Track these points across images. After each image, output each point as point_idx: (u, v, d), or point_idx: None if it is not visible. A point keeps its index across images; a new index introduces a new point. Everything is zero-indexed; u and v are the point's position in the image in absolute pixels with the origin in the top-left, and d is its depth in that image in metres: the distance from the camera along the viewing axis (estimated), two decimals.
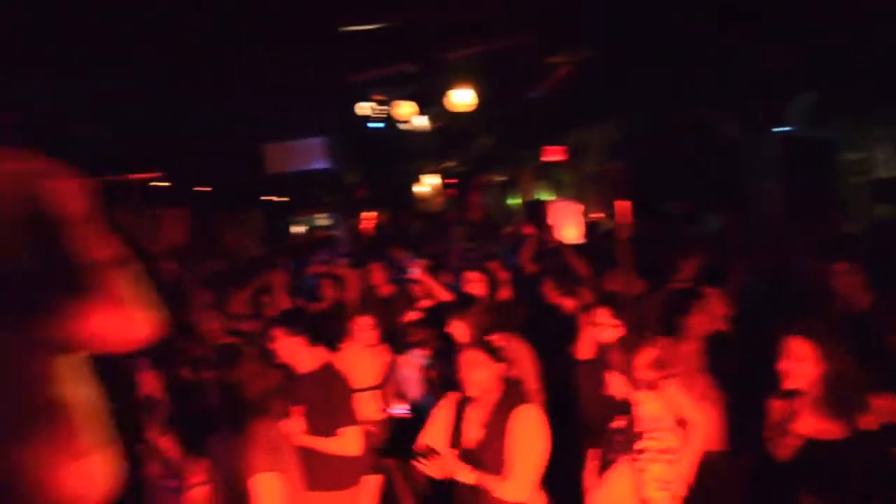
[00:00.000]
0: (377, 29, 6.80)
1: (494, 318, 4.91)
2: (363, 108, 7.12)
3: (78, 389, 1.66)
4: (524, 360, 4.93)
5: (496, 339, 4.80)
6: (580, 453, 3.86)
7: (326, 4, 6.20)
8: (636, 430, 3.30)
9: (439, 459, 3.19)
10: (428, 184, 14.92)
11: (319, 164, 9.87)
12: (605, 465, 3.47)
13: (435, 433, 3.42)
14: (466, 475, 3.20)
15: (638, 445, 3.27)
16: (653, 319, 4.33)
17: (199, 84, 7.49)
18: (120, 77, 6.88)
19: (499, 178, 14.95)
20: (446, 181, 15.75)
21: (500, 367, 3.52)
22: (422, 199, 15.02)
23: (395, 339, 5.21)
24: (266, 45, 6.63)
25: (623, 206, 5.96)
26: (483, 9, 6.50)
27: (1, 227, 1.52)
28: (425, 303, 5.73)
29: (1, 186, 1.51)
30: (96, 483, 1.64)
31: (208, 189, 11.08)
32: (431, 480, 3.62)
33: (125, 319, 1.71)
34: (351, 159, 11.95)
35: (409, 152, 11.48)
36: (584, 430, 4.08)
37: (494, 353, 3.59)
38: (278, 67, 6.86)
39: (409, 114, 7.01)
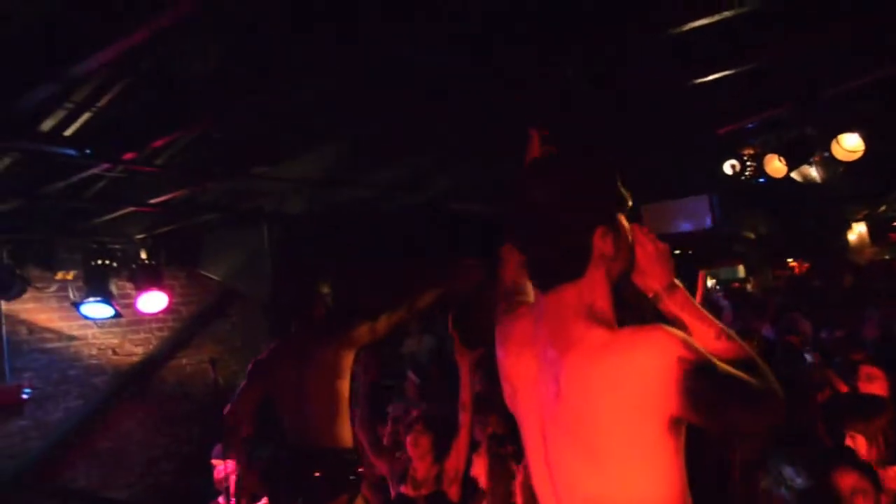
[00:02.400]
0: (743, 71, 5.90)
1: None
2: (730, 165, 6.23)
3: None
4: None
5: None
6: None
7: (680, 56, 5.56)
8: None
9: None
10: (857, 231, 12.69)
11: (703, 223, 9.00)
12: None
13: None
14: None
15: None
16: None
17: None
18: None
19: None
20: (886, 225, 13.24)
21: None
22: (850, 249, 12.81)
23: None
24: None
25: None
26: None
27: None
28: (820, 394, 4.69)
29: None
30: None
31: None
32: None
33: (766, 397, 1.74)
34: (742, 214, 10.73)
35: (819, 197, 9.86)
36: None
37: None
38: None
39: (779, 169, 5.89)
